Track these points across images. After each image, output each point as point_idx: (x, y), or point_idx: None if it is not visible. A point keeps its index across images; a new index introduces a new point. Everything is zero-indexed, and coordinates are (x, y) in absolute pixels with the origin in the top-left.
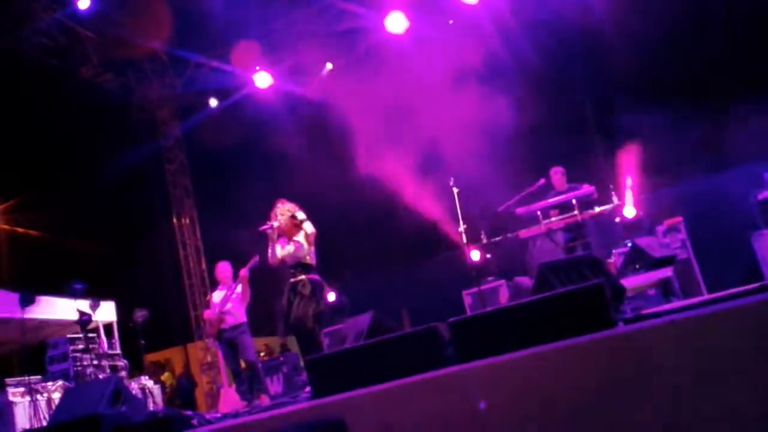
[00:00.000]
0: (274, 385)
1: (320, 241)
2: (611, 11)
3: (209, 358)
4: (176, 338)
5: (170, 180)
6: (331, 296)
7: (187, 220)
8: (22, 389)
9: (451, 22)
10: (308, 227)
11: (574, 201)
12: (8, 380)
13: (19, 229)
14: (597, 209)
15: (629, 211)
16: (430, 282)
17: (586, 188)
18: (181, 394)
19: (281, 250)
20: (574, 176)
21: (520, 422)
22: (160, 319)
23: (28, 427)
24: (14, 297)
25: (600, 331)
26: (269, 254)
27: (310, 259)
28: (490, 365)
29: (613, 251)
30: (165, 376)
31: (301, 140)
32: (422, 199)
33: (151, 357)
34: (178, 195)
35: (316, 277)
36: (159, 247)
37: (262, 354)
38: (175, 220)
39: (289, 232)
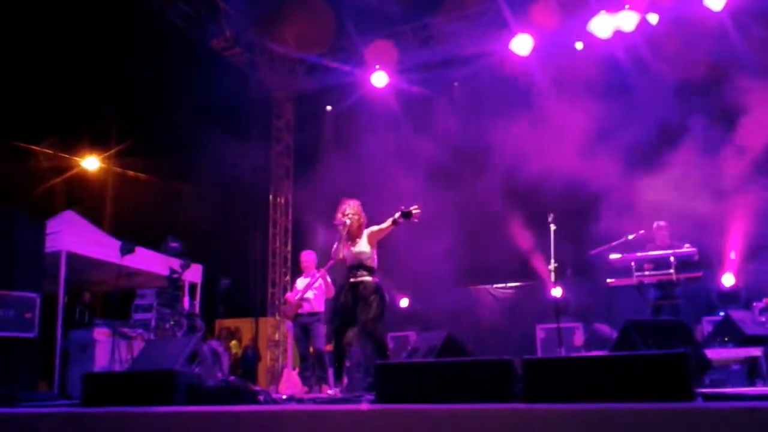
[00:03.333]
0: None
1: (402, 246)
2: None
3: (277, 336)
4: (250, 310)
5: (274, 159)
6: (404, 302)
7: (283, 200)
8: (107, 330)
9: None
10: (374, 230)
11: (672, 258)
12: (97, 319)
13: (130, 172)
14: (693, 273)
15: (728, 280)
16: (505, 308)
17: (689, 249)
18: (245, 364)
19: (345, 250)
20: (677, 233)
21: None
22: (239, 289)
23: (105, 365)
24: (116, 243)
25: (677, 401)
26: (334, 249)
27: (372, 261)
28: (559, 411)
29: (704, 318)
30: (233, 344)
31: (406, 142)
32: (516, 225)
33: (223, 323)
34: (279, 174)
35: (377, 279)
36: (252, 219)
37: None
38: (271, 198)
39: (354, 233)
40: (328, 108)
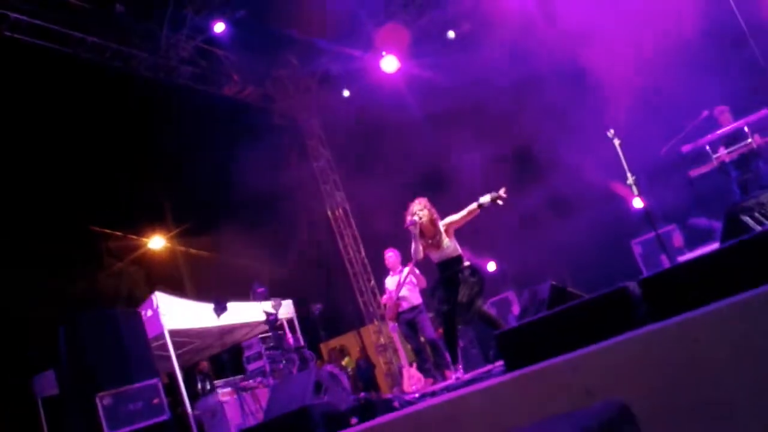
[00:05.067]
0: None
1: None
2: None
3: (383, 340)
4: (349, 325)
5: (319, 177)
6: (491, 266)
7: (341, 211)
8: (229, 389)
9: None
10: (452, 220)
11: (745, 128)
12: (217, 382)
13: (192, 250)
14: None
15: None
16: (595, 236)
17: (760, 112)
18: (362, 376)
19: (424, 248)
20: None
21: (731, 370)
22: (331, 309)
23: (240, 422)
24: (208, 307)
25: None
26: (413, 250)
27: (457, 251)
28: (689, 320)
29: None
30: (345, 361)
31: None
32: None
33: (329, 345)
34: (329, 190)
35: (468, 262)
36: (320, 240)
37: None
38: (329, 213)
39: (428, 229)
40: (346, 93)
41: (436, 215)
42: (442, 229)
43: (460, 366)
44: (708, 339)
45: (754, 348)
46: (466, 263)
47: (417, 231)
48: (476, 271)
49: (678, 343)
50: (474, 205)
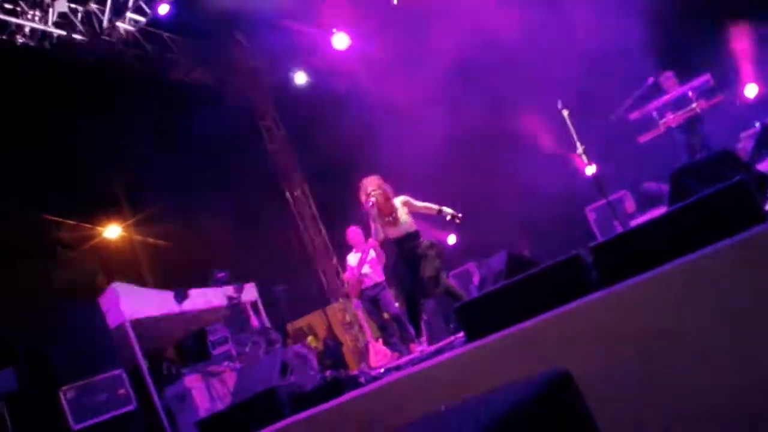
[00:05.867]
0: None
1: (431, 186)
2: None
3: (348, 318)
4: (314, 304)
5: (275, 158)
6: (452, 239)
7: (299, 191)
8: (196, 375)
9: None
10: (409, 201)
11: (690, 93)
12: (183, 369)
13: (150, 240)
14: (714, 98)
15: (751, 90)
16: (548, 204)
17: (702, 77)
18: (330, 354)
19: (383, 229)
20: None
21: (677, 333)
22: (295, 289)
23: (208, 407)
24: (169, 295)
25: (750, 228)
26: (373, 231)
27: (414, 227)
28: (638, 284)
29: (741, 135)
30: (310, 340)
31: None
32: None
33: (294, 325)
34: (287, 169)
35: (425, 238)
36: (279, 222)
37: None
38: (288, 194)
39: (384, 207)
40: (299, 79)
41: (390, 193)
42: (398, 205)
43: (424, 339)
44: (654, 302)
45: (699, 309)
46: (424, 239)
47: (375, 212)
48: (434, 244)
49: (625, 309)
50: (435, 207)
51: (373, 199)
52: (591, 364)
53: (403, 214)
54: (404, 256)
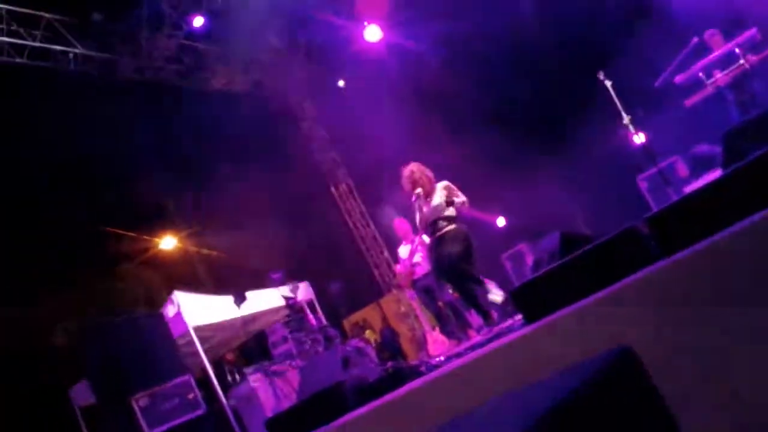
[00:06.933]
0: (473, 319)
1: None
2: None
3: (402, 308)
4: (368, 298)
5: (318, 157)
6: (501, 221)
7: (344, 186)
8: (259, 375)
9: None
10: (451, 187)
11: (737, 50)
12: (246, 369)
13: (204, 251)
14: (764, 51)
15: None
16: (598, 174)
17: (748, 31)
18: (388, 346)
19: (427, 211)
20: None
21: (746, 298)
22: (349, 284)
23: (274, 405)
24: (228, 299)
25: None
26: (418, 220)
27: (449, 211)
28: (699, 252)
29: None
30: (368, 333)
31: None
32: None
33: (351, 320)
34: (329, 167)
35: (459, 226)
36: (326, 222)
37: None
38: (333, 190)
39: (428, 191)
40: (341, 84)
41: (431, 174)
42: (439, 189)
43: (493, 320)
44: (720, 268)
45: (763, 271)
46: (458, 226)
47: (422, 201)
48: (466, 235)
49: (687, 277)
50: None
51: (419, 190)
52: (655, 338)
53: (439, 197)
54: (437, 241)
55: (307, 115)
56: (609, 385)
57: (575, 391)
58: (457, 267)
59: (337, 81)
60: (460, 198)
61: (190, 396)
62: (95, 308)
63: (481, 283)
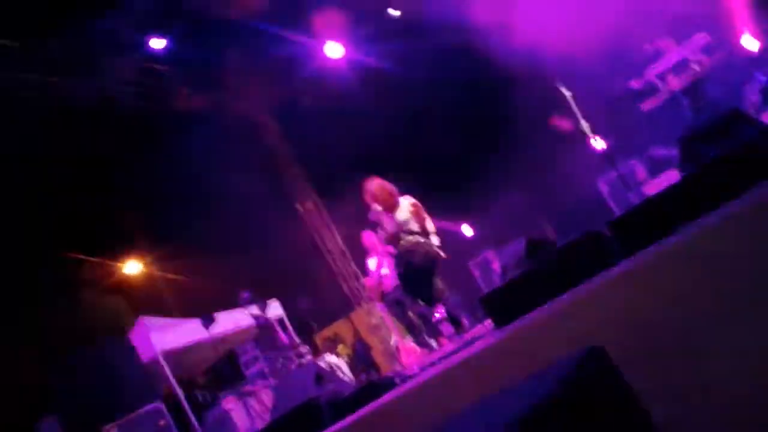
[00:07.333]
0: (444, 327)
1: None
2: None
3: (374, 321)
4: (339, 312)
5: (282, 174)
6: (467, 229)
7: (310, 203)
8: (232, 397)
9: None
10: (417, 205)
11: (689, 54)
12: (219, 393)
13: (170, 275)
14: (715, 54)
15: (750, 43)
16: (562, 185)
17: (699, 36)
18: (361, 359)
19: (390, 227)
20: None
21: (712, 297)
22: (318, 300)
23: (248, 426)
24: (197, 322)
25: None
26: (385, 234)
27: (414, 225)
28: (659, 253)
29: (745, 89)
30: (340, 348)
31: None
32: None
33: (322, 335)
34: (293, 183)
35: (422, 240)
36: (292, 238)
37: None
38: (299, 207)
39: (389, 206)
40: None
41: (391, 189)
42: (402, 203)
43: (464, 328)
44: (675, 268)
45: (721, 268)
46: (421, 240)
47: (382, 215)
48: (427, 250)
49: (651, 277)
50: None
51: (377, 205)
52: (624, 337)
53: (405, 212)
54: (401, 255)
55: (271, 131)
56: (582, 385)
57: (550, 393)
58: (420, 284)
59: (302, 98)
60: (430, 225)
61: (162, 422)
62: (62, 336)
63: (437, 302)
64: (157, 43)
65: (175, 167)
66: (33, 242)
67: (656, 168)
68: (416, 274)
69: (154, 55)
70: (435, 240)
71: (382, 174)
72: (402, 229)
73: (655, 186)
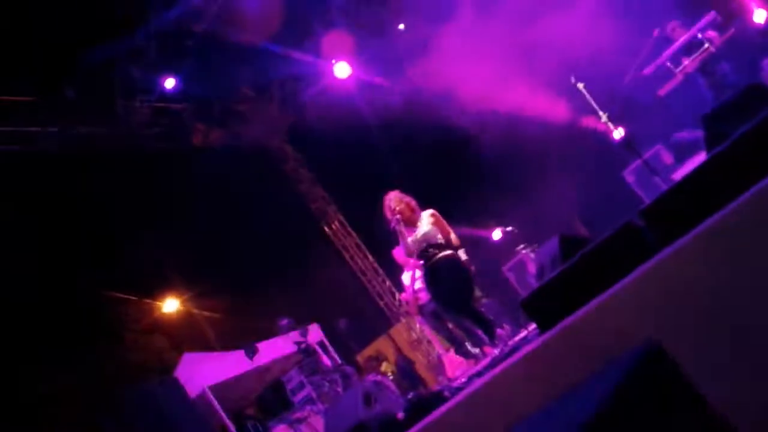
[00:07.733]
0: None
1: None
2: None
3: (414, 336)
4: (377, 330)
5: (306, 198)
6: (497, 234)
7: (336, 224)
8: (282, 425)
9: None
10: (438, 216)
11: (699, 34)
12: (269, 423)
13: (206, 313)
14: (726, 33)
15: (760, 16)
16: (587, 181)
17: (707, 15)
18: (405, 375)
19: (411, 239)
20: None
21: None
22: (356, 320)
23: None
24: (240, 353)
25: None
26: (405, 249)
27: (439, 239)
28: (696, 237)
29: (764, 62)
30: (384, 366)
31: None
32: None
33: (364, 354)
34: (320, 207)
35: (451, 253)
36: (324, 261)
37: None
38: (326, 229)
39: (410, 219)
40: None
41: (411, 201)
42: (424, 216)
43: (498, 339)
44: (718, 249)
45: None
46: (450, 253)
47: (401, 227)
48: (457, 265)
49: (688, 263)
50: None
51: (398, 216)
52: (676, 327)
53: (427, 224)
54: (428, 271)
55: (289, 157)
56: (644, 383)
57: (613, 394)
58: (454, 303)
59: (316, 116)
60: (453, 236)
61: None
62: (110, 378)
63: (484, 322)
64: (170, 83)
65: (200, 204)
66: (68, 281)
67: (682, 153)
68: (450, 293)
69: (166, 95)
70: (462, 254)
71: (403, 188)
72: (426, 241)
73: (684, 171)
